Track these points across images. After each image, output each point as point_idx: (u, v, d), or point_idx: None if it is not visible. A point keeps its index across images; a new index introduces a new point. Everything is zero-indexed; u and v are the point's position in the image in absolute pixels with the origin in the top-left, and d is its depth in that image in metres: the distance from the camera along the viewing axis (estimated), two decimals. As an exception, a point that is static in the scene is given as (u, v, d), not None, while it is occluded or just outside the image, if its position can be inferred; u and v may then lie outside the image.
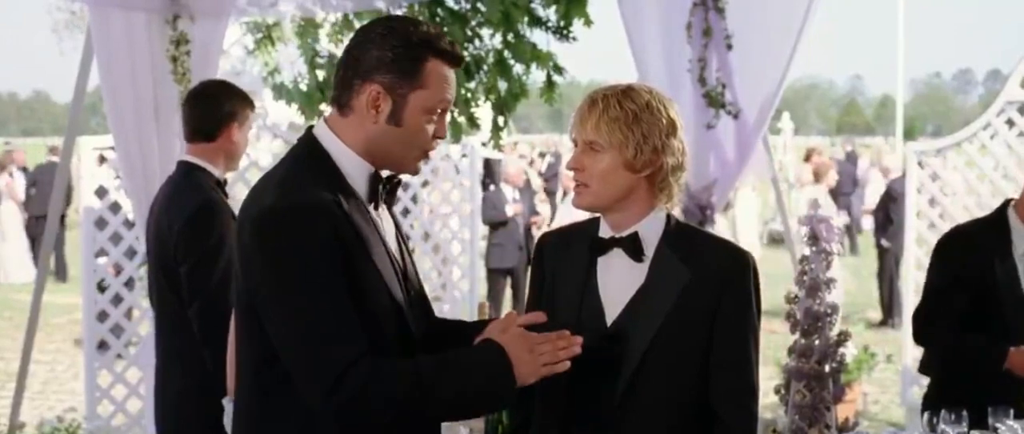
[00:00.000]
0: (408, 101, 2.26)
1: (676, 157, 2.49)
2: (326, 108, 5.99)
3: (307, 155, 2.29)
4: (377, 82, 2.24)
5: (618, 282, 2.51)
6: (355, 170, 2.29)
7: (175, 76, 4.70)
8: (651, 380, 2.42)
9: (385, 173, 2.36)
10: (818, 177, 13.32)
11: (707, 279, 2.48)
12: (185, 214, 3.61)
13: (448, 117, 2.42)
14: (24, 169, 16.08)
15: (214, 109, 3.76)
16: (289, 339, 2.15)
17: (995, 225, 3.83)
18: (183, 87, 4.68)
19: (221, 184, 3.77)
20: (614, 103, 2.44)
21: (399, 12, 5.19)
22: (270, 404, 2.26)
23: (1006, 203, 3.88)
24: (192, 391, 3.65)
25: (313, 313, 2.13)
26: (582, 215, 2.64)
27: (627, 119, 2.42)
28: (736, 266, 2.51)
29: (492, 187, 10.67)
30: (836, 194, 15.59)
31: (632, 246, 2.50)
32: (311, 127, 2.36)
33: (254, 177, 6.13)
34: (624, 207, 2.50)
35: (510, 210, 10.17)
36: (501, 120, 5.39)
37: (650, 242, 2.51)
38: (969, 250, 3.79)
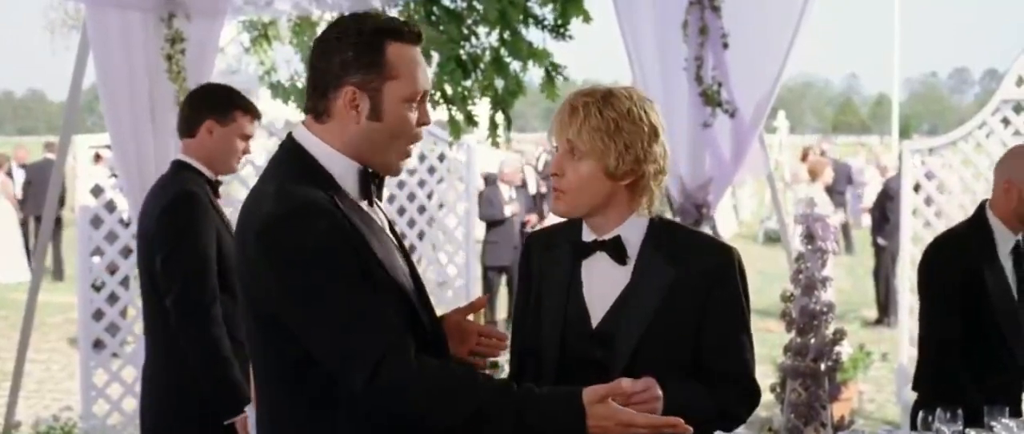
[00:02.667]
0: (383, 94, 2.26)
1: (658, 163, 2.46)
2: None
3: (293, 160, 2.29)
4: (349, 84, 2.24)
5: (602, 284, 2.50)
6: (342, 169, 2.29)
7: (170, 75, 4.69)
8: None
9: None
10: (814, 176, 13.36)
11: (693, 277, 2.46)
12: (162, 204, 3.62)
13: (433, 107, 2.42)
14: (23, 166, 16.03)
15: (195, 104, 3.79)
16: (321, 336, 2.17)
17: (977, 229, 3.75)
18: (178, 86, 4.67)
19: (213, 185, 3.75)
20: (594, 111, 2.41)
21: (394, 11, 5.19)
22: (296, 410, 2.26)
23: (983, 204, 3.79)
24: (180, 389, 3.63)
25: (339, 305, 2.14)
26: None
27: (608, 129, 2.39)
28: (721, 262, 2.50)
29: (489, 185, 10.66)
30: (831, 192, 15.65)
31: (615, 249, 2.49)
32: (291, 133, 2.35)
33: (250, 175, 6.12)
34: (604, 212, 2.48)
35: (508, 209, 10.17)
36: (499, 118, 5.38)
37: (633, 244, 2.49)
38: (957, 259, 3.69)
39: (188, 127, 3.75)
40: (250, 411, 3.33)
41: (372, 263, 2.22)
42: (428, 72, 2.37)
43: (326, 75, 2.26)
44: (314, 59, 2.30)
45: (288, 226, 2.16)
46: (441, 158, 8.11)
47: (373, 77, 2.25)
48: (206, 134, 3.71)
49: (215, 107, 3.73)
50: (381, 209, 2.43)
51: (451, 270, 8.29)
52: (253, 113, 3.80)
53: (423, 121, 2.34)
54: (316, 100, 2.29)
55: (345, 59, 2.24)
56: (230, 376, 3.51)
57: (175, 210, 3.59)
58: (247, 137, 3.79)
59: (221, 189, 3.82)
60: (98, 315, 6.17)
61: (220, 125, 3.71)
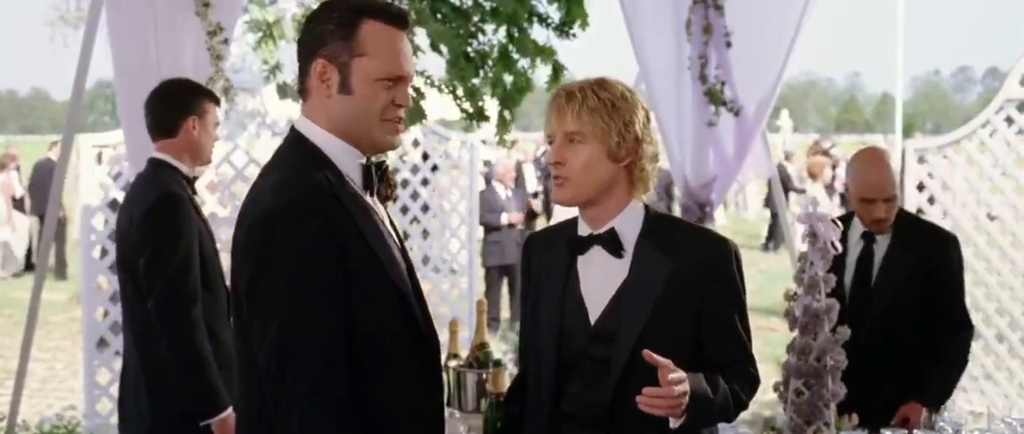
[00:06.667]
0: (352, 69, 2.28)
1: (654, 146, 2.50)
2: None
3: (296, 150, 2.30)
4: (321, 56, 2.28)
5: (599, 279, 2.50)
6: (345, 157, 2.30)
7: (214, 70, 4.71)
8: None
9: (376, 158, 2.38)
10: (814, 176, 13.37)
11: (690, 270, 2.46)
12: (144, 207, 3.62)
13: (409, 88, 2.41)
14: (17, 168, 16.00)
15: (172, 105, 3.81)
16: (262, 342, 2.16)
17: (845, 216, 4.02)
18: (221, 81, 4.69)
19: (190, 181, 3.79)
20: (591, 93, 2.44)
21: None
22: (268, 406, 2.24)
23: None
24: (153, 390, 3.64)
25: (289, 326, 2.13)
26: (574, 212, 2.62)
27: (607, 108, 2.42)
28: (718, 254, 2.50)
29: (485, 187, 10.61)
30: (831, 191, 15.67)
31: (611, 242, 2.49)
32: (293, 125, 2.37)
33: (253, 175, 6.10)
34: (603, 201, 2.49)
35: (504, 217, 10.15)
36: (507, 115, 5.38)
37: (629, 237, 2.49)
38: None
39: (168, 128, 3.78)
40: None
41: (363, 262, 2.21)
42: (410, 57, 2.36)
43: (306, 47, 2.31)
44: (301, 34, 2.36)
45: (276, 223, 2.16)
46: (445, 156, 8.12)
47: (341, 51, 2.27)
48: (190, 132, 3.76)
49: (190, 105, 3.79)
50: (383, 204, 2.43)
51: (454, 268, 8.29)
52: (217, 100, 3.92)
53: (397, 101, 2.33)
54: (300, 78, 2.34)
55: (321, 32, 2.28)
56: (208, 378, 3.52)
57: (158, 212, 3.60)
58: (218, 124, 3.91)
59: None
60: (101, 314, 6.16)
61: (200, 120, 3.78)
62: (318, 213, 2.17)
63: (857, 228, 4.01)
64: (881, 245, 3.98)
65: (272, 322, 2.14)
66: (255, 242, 2.18)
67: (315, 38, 2.29)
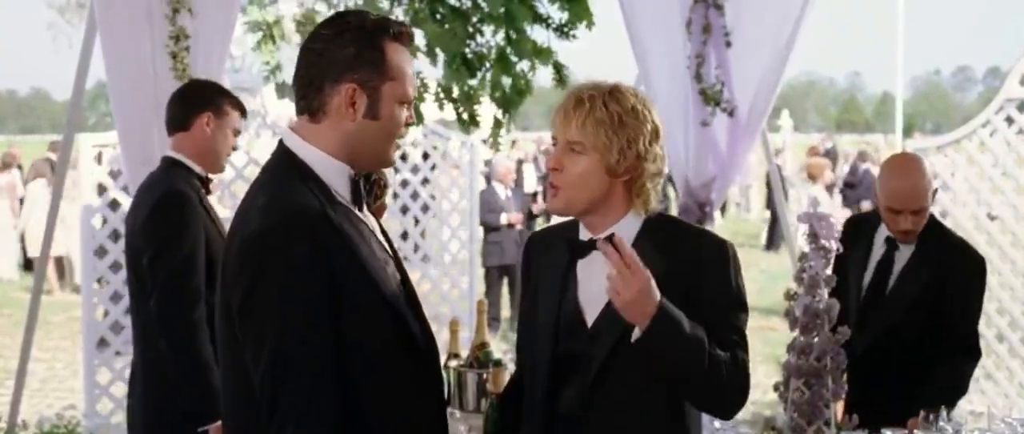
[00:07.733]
0: (382, 94, 2.26)
1: (657, 164, 2.44)
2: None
3: (285, 169, 2.27)
4: (350, 80, 2.23)
5: (598, 283, 2.45)
6: (335, 175, 2.28)
7: (176, 73, 4.68)
8: (623, 373, 2.36)
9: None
10: (814, 176, 13.37)
11: (682, 268, 2.42)
12: (149, 204, 3.60)
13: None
14: (20, 167, 16.01)
15: (191, 99, 3.79)
16: (257, 359, 2.15)
17: (872, 216, 3.97)
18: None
19: (204, 182, 3.74)
20: (600, 104, 2.39)
21: (399, 8, 5.19)
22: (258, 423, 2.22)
23: None
24: (158, 391, 3.63)
25: (282, 340, 2.13)
26: None
27: (613, 122, 2.37)
28: (712, 253, 2.46)
29: (485, 187, 10.62)
30: (841, 190, 15.71)
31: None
32: (281, 140, 2.34)
33: (253, 175, 6.09)
34: (600, 211, 2.46)
35: (504, 217, 10.15)
36: (502, 117, 5.37)
37: (628, 240, 2.45)
38: (846, 236, 3.79)
39: (182, 121, 3.74)
40: None
41: (355, 280, 2.20)
42: (414, 71, 2.36)
43: (324, 70, 2.24)
44: (308, 54, 2.28)
45: (267, 246, 2.14)
46: (445, 156, 8.13)
47: (373, 76, 2.24)
48: (203, 128, 3.71)
49: (209, 102, 3.75)
50: (372, 213, 2.42)
51: (455, 269, 8.30)
52: (242, 109, 3.85)
53: (409, 121, 2.34)
54: (310, 97, 2.27)
55: (346, 55, 2.23)
56: (209, 382, 3.46)
57: (162, 210, 3.56)
58: (238, 132, 3.84)
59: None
60: (102, 313, 6.16)
61: (216, 119, 3.73)
62: (306, 231, 2.16)
63: (884, 230, 3.87)
64: (903, 253, 3.84)
65: (266, 338, 2.14)
66: (246, 263, 2.16)
67: (338, 62, 2.23)
